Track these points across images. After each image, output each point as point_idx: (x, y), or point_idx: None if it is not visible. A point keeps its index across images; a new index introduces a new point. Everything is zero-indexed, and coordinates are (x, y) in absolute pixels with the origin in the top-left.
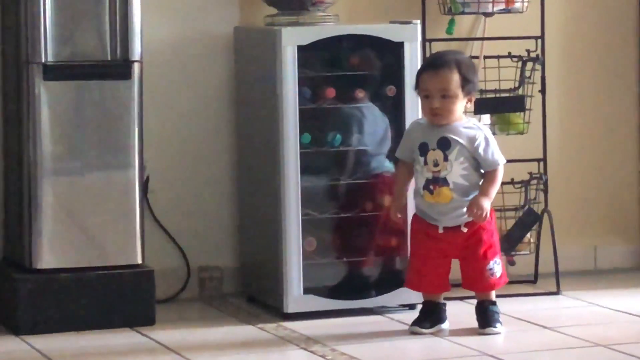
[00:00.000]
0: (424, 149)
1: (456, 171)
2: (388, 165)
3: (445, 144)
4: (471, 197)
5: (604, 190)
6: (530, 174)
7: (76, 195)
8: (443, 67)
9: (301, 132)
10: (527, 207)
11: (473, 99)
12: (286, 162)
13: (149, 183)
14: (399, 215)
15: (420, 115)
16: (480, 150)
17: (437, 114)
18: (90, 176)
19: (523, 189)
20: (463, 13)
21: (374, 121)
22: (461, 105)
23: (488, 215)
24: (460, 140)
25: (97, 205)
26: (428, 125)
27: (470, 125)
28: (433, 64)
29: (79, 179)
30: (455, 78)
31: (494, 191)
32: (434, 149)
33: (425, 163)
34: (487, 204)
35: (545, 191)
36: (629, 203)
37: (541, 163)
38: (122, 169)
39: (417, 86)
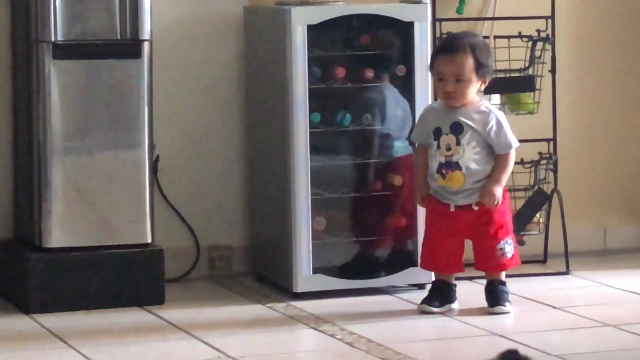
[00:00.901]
0: (437, 134)
1: (468, 155)
2: (402, 147)
3: (458, 129)
4: (483, 180)
5: (614, 171)
6: (540, 154)
7: (86, 174)
8: (458, 50)
9: (312, 112)
10: (536, 187)
11: (487, 82)
12: (296, 141)
13: (158, 162)
14: (424, 202)
15: (430, 96)
16: (492, 133)
17: (450, 97)
18: (100, 155)
19: (533, 169)
20: None
21: (394, 103)
22: (475, 88)
23: (500, 201)
24: (473, 125)
25: (107, 184)
26: (442, 109)
27: (483, 109)
28: (448, 48)
29: (88, 158)
30: (470, 62)
31: (505, 177)
32: (447, 134)
33: (439, 147)
34: (499, 191)
35: (555, 171)
36: (639, 184)
37: (551, 143)
38: (131, 148)
39: (432, 68)
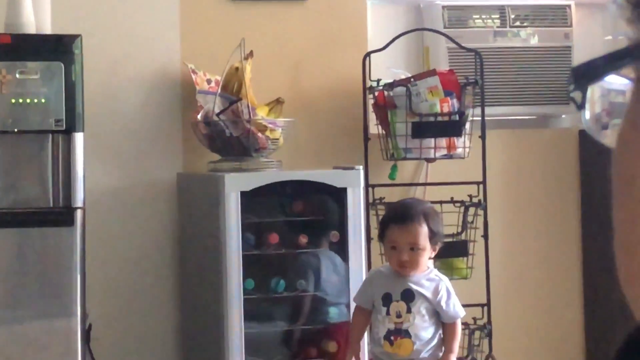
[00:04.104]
0: (387, 300)
1: (418, 323)
2: (338, 313)
3: (409, 296)
4: (430, 347)
5: (548, 336)
6: (474, 319)
7: (16, 344)
8: (412, 220)
9: (245, 278)
10: (470, 357)
11: (437, 249)
12: (230, 308)
13: (91, 331)
14: None
15: (364, 261)
16: (443, 302)
17: (405, 266)
18: (31, 325)
19: (467, 332)
20: (405, 159)
21: (330, 269)
22: (427, 256)
23: None
24: (424, 293)
25: (38, 354)
26: (390, 274)
27: (432, 276)
28: (402, 217)
29: (18, 327)
30: (424, 231)
31: (457, 346)
32: (397, 300)
33: (388, 313)
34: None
35: (490, 337)
36: (573, 349)
37: (485, 308)
38: (63, 317)
39: (383, 236)
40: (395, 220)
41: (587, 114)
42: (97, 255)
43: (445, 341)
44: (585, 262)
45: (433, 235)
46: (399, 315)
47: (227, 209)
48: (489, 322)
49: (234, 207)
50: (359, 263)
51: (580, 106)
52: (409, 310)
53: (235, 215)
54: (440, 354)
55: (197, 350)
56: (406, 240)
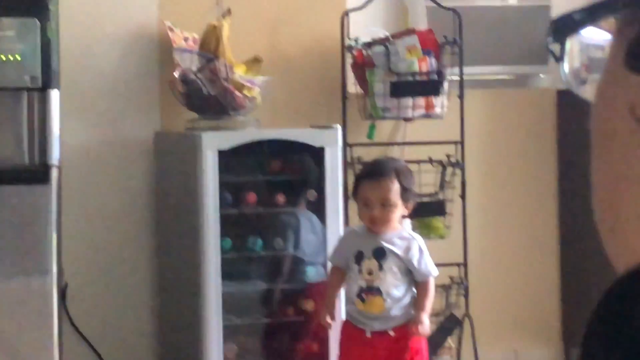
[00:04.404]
0: (359, 257)
1: (390, 281)
2: (316, 273)
3: (381, 254)
4: (402, 305)
5: (524, 295)
6: (451, 278)
7: None
8: (383, 176)
9: (223, 237)
10: (448, 313)
11: (411, 207)
12: (207, 267)
13: (67, 289)
14: (330, 321)
15: (341, 220)
16: (414, 260)
17: (376, 222)
18: (6, 282)
19: (444, 293)
20: (384, 118)
21: (308, 228)
22: (399, 213)
23: (429, 330)
24: (396, 250)
25: (14, 311)
26: (363, 233)
27: (405, 234)
28: (373, 173)
29: None
30: (395, 187)
31: (430, 304)
32: (369, 258)
33: (360, 271)
34: (427, 318)
35: (466, 296)
36: (549, 307)
37: (462, 267)
38: (39, 275)
39: (356, 193)
40: (367, 176)
41: (566, 67)
42: (73, 214)
43: (418, 300)
44: (561, 221)
45: (405, 192)
46: (370, 273)
47: (204, 167)
48: (466, 280)
49: (212, 166)
50: (337, 222)
51: (559, 59)
52: (380, 268)
53: (213, 174)
54: (413, 312)
55: (174, 308)
56: (377, 196)
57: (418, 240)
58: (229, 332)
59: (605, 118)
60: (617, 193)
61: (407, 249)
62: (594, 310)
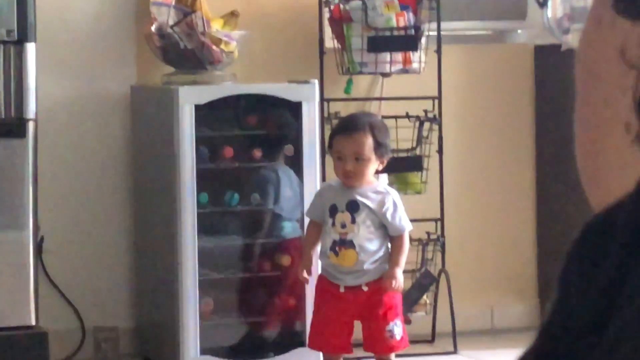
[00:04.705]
0: (333, 211)
1: (363, 234)
2: (292, 228)
3: (354, 207)
4: (375, 259)
5: (500, 251)
6: (428, 234)
7: None
8: (357, 130)
9: (200, 192)
10: (424, 269)
11: (385, 161)
12: (184, 221)
13: (43, 243)
14: (307, 276)
15: (318, 176)
16: (388, 215)
17: (349, 176)
18: None
19: (420, 247)
20: (361, 73)
21: (285, 184)
22: (373, 168)
23: (402, 285)
24: (369, 204)
25: None
26: (339, 187)
27: (380, 189)
28: (347, 127)
29: None
30: (369, 142)
31: (404, 259)
32: (342, 211)
33: (334, 225)
34: (400, 273)
35: (443, 252)
36: (525, 263)
37: (438, 223)
38: (15, 229)
39: (330, 147)
40: (342, 130)
41: (549, 13)
42: (50, 167)
43: (392, 254)
44: (538, 176)
45: (379, 147)
46: (343, 226)
47: (181, 122)
48: (442, 236)
49: (188, 121)
50: (314, 178)
51: (543, 4)
52: (353, 221)
53: (189, 128)
54: (387, 267)
55: (150, 263)
56: (351, 150)
57: (393, 195)
58: (205, 287)
59: (591, 64)
60: (600, 140)
61: (381, 203)
62: (570, 248)
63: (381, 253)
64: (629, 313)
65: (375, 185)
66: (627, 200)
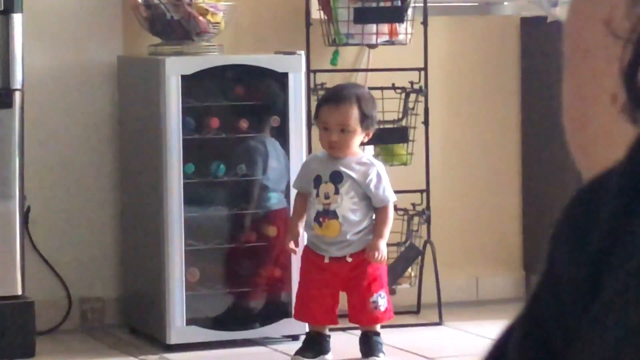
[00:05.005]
0: (317, 181)
1: (346, 205)
2: (278, 199)
3: (337, 178)
4: (360, 233)
5: (485, 222)
6: (413, 205)
7: None
8: (343, 101)
9: (186, 162)
10: (409, 241)
11: (371, 133)
12: (170, 192)
13: (29, 213)
14: (293, 247)
15: (305, 147)
16: (372, 186)
17: (334, 147)
18: None
19: (406, 218)
20: (347, 44)
21: (271, 154)
22: (359, 139)
23: (385, 257)
24: (353, 175)
25: None
26: (325, 158)
27: (364, 160)
28: (333, 98)
29: None
30: (355, 113)
31: (387, 231)
32: (326, 182)
33: (317, 195)
34: (384, 245)
35: (428, 223)
36: (510, 234)
37: (424, 194)
38: (2, 199)
39: (316, 118)
40: (328, 101)
41: None
42: (36, 138)
43: (375, 226)
44: (524, 147)
45: (364, 119)
46: (327, 197)
47: (167, 92)
48: (428, 208)
49: (175, 91)
50: (300, 149)
51: None
52: (336, 192)
53: (176, 99)
54: (371, 238)
55: (137, 234)
56: (336, 121)
57: (377, 166)
58: (191, 257)
59: (579, 35)
60: (588, 111)
61: (365, 174)
62: (559, 216)
63: (365, 224)
64: (618, 280)
65: (360, 157)
66: (617, 167)
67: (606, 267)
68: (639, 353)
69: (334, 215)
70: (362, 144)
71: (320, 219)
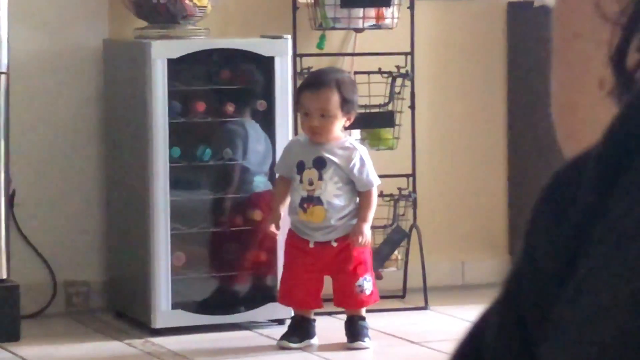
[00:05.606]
0: (300, 167)
1: (330, 190)
2: (263, 182)
3: (320, 163)
4: (345, 218)
5: (471, 206)
6: (400, 189)
7: None
8: (323, 86)
9: (172, 146)
10: (395, 224)
11: (352, 118)
12: (155, 175)
13: (15, 196)
14: (274, 230)
15: (290, 131)
16: (355, 170)
17: (315, 132)
18: None
19: (392, 203)
20: (334, 28)
21: (255, 138)
22: (340, 124)
23: (369, 240)
24: (336, 160)
25: None
26: (306, 143)
27: (347, 145)
28: (313, 83)
29: None
30: (335, 98)
31: (371, 214)
32: (309, 168)
33: (301, 181)
34: (368, 229)
35: (414, 207)
36: (496, 218)
37: (410, 178)
38: None
39: (297, 103)
40: (308, 86)
41: None
42: (21, 121)
43: (359, 210)
44: (510, 131)
45: (345, 103)
46: (310, 183)
47: (153, 76)
48: (414, 192)
49: (161, 75)
50: (285, 132)
51: None
52: (320, 178)
53: (162, 82)
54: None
55: (122, 218)
56: (316, 106)
57: (360, 151)
58: (177, 241)
59: (567, 18)
60: (575, 97)
61: (348, 159)
62: (538, 196)
63: (349, 209)
64: (591, 260)
65: (343, 141)
66: (595, 149)
67: (582, 247)
68: (611, 332)
69: (318, 201)
70: (345, 128)
71: (305, 205)
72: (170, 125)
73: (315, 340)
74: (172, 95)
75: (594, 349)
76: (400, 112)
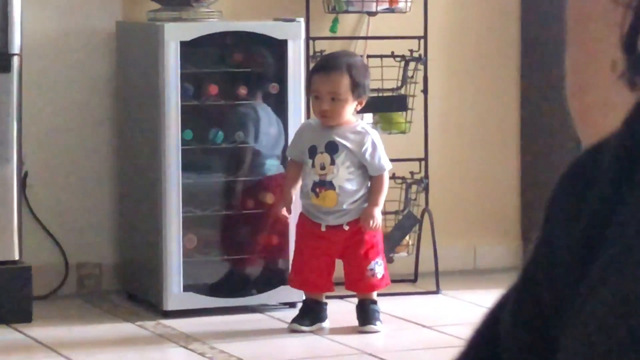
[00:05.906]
0: (312, 152)
1: (342, 175)
2: (274, 166)
3: (333, 148)
4: (357, 201)
5: (484, 191)
6: (412, 173)
7: None
8: (334, 70)
9: (184, 129)
10: (407, 210)
11: (364, 102)
12: (168, 158)
13: (27, 178)
14: (286, 214)
15: (303, 114)
16: (367, 155)
17: (326, 115)
18: None
19: (404, 187)
20: (347, 12)
21: (267, 121)
22: (351, 108)
23: (380, 224)
24: (348, 145)
25: None
26: (318, 127)
27: (359, 129)
28: (324, 66)
29: None
30: (346, 82)
31: (382, 199)
32: (322, 152)
33: (313, 165)
34: (378, 213)
35: (426, 191)
36: (509, 203)
37: (422, 163)
38: (0, 163)
39: (308, 86)
40: (319, 69)
41: None
42: (34, 103)
43: (371, 194)
44: (523, 116)
45: (356, 87)
46: (322, 167)
47: (166, 58)
48: (426, 176)
49: (173, 57)
50: (298, 116)
51: None
52: (332, 162)
53: (175, 65)
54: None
55: (134, 200)
56: (327, 89)
57: (372, 135)
58: (189, 223)
59: (580, 2)
60: (588, 78)
61: (360, 144)
62: (556, 185)
63: (361, 193)
64: (614, 249)
65: (355, 126)
66: (614, 136)
67: (601, 236)
68: (634, 320)
69: (330, 185)
70: (357, 112)
71: (317, 190)
72: (183, 107)
73: (326, 324)
74: (184, 77)
75: (620, 337)
76: (413, 96)
